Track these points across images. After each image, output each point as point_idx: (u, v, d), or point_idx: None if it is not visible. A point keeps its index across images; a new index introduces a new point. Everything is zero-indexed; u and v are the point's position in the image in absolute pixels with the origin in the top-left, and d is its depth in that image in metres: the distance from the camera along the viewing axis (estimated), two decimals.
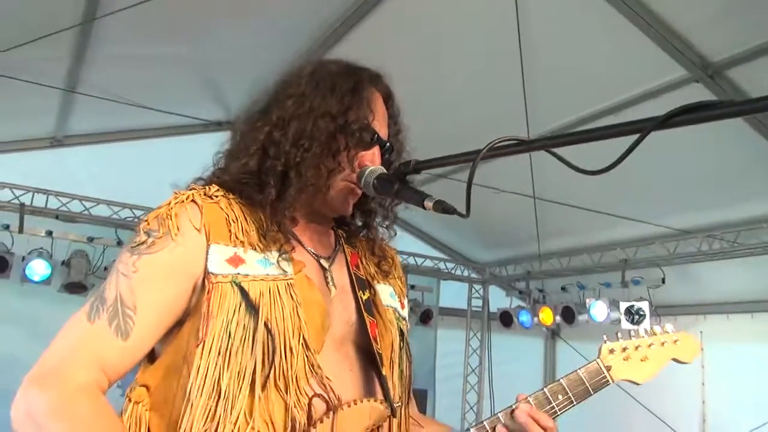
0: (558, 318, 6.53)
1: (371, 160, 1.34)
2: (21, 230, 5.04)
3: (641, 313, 5.72)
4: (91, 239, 5.35)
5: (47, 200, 5.21)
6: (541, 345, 7.98)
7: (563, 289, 6.80)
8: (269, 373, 1.14)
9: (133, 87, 4.76)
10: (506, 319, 7.03)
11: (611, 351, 1.38)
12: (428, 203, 1.19)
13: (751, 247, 4.92)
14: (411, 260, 7.07)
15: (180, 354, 1.18)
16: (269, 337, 1.15)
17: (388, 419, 1.26)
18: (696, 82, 3.79)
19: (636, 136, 0.84)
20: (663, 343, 1.39)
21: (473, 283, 7.92)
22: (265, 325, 1.16)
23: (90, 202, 5.36)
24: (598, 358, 1.38)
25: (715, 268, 5.62)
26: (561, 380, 1.36)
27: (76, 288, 5.11)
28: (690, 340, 1.44)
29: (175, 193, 1.28)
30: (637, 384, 1.38)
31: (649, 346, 1.38)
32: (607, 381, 1.37)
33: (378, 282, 1.45)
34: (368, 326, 1.31)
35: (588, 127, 4.38)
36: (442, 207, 1.17)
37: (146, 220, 1.25)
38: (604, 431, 7.07)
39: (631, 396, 6.67)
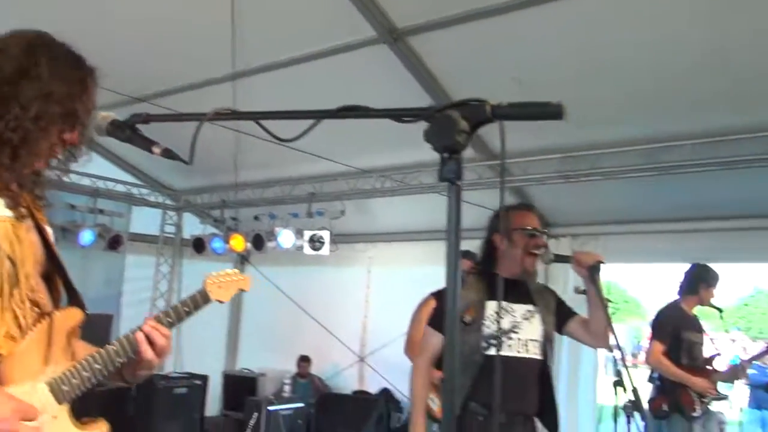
0: (249, 245, 6.95)
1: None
2: None
3: (322, 241, 6.43)
4: None
5: None
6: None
7: (256, 218, 7.20)
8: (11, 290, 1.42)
9: None
10: (199, 245, 7.26)
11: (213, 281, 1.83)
12: (156, 149, 1.40)
13: (414, 186, 5.89)
14: (101, 184, 6.79)
15: None
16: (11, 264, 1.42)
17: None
18: (383, 44, 4.30)
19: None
20: (238, 280, 1.95)
21: (167, 209, 7.91)
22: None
23: None
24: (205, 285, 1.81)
25: (386, 203, 6.56)
26: (177, 304, 1.73)
27: None
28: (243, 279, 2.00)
29: None
30: (222, 302, 1.86)
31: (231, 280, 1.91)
32: (209, 299, 1.78)
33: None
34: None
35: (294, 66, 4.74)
36: (169, 154, 1.40)
37: None
38: (275, 342, 7.95)
39: (307, 313, 7.52)
